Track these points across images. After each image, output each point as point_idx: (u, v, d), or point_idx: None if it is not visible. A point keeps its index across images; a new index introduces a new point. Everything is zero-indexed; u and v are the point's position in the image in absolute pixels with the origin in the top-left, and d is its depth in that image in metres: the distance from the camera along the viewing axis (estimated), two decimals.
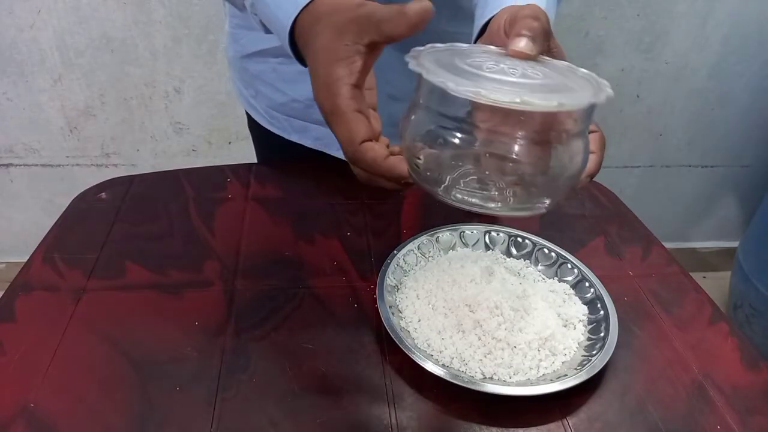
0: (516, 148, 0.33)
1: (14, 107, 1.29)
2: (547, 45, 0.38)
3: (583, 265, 0.57)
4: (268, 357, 0.49)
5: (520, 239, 0.61)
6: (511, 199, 0.34)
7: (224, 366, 0.47)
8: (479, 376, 0.46)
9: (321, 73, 0.35)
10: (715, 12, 1.30)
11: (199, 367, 0.47)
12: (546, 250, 0.59)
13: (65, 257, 0.59)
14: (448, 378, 0.45)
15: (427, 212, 0.68)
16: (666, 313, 0.56)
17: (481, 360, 0.47)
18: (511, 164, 0.33)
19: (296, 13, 0.38)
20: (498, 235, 0.61)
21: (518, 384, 0.46)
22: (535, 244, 0.60)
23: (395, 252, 0.57)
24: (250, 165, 0.75)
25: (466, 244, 0.61)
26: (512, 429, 0.44)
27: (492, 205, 0.34)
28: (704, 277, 1.65)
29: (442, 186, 0.35)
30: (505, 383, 0.46)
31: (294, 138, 0.76)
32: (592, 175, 0.43)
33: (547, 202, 0.35)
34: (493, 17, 0.44)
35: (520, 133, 0.32)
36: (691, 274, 0.61)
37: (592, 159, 0.41)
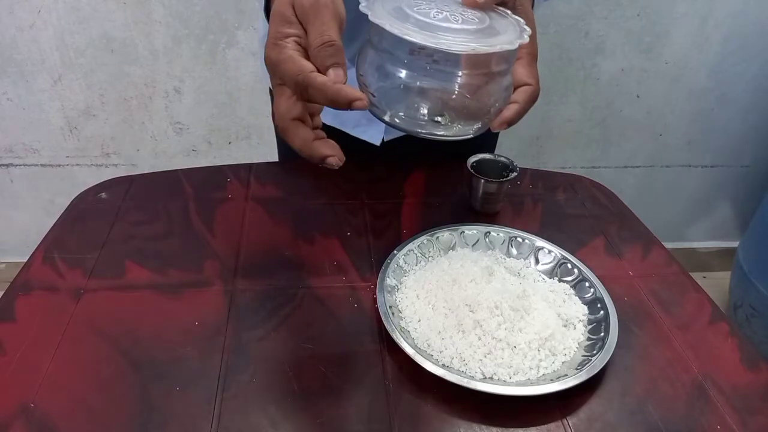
0: (451, 84, 0.39)
1: (14, 107, 1.29)
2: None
3: (583, 265, 0.57)
4: (268, 357, 0.49)
5: (520, 239, 0.61)
6: (447, 125, 0.42)
7: (224, 366, 0.47)
8: (479, 376, 0.46)
9: (270, 32, 0.41)
10: (715, 12, 1.30)
11: (199, 367, 0.47)
12: (546, 250, 0.59)
13: (65, 257, 0.59)
14: (448, 378, 0.45)
15: (427, 212, 0.68)
16: (666, 313, 0.56)
17: (481, 360, 0.47)
18: (446, 97, 0.40)
19: None
20: (498, 235, 0.61)
21: (518, 384, 0.46)
22: (535, 244, 0.60)
23: (395, 252, 0.57)
24: (250, 165, 0.75)
25: (466, 244, 0.61)
26: (512, 429, 0.44)
27: (427, 131, 0.42)
28: (704, 277, 1.65)
29: (388, 114, 0.42)
30: (505, 383, 0.46)
31: None
32: (508, 122, 0.44)
33: (472, 130, 0.43)
34: None
35: (452, 71, 0.38)
36: (691, 274, 0.61)
37: (512, 108, 0.44)
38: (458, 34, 0.38)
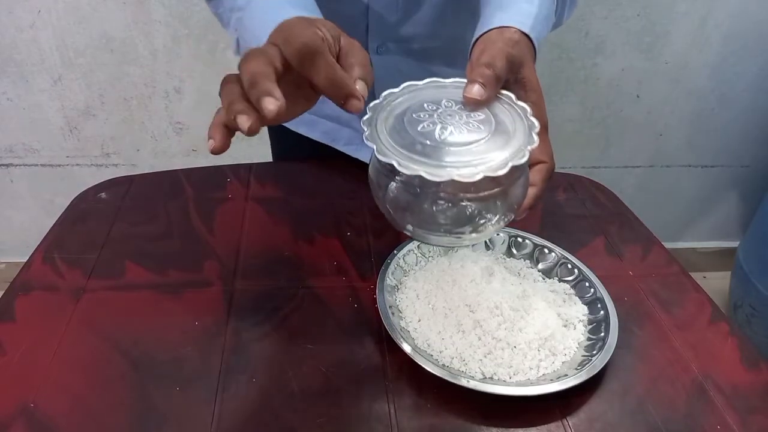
0: (462, 201, 0.41)
1: (14, 107, 1.29)
2: (499, 89, 0.43)
3: (584, 265, 0.57)
4: (268, 357, 0.49)
5: (520, 239, 0.61)
6: (471, 235, 0.43)
7: (224, 366, 0.47)
8: (479, 376, 0.46)
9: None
10: (715, 12, 1.29)
11: (199, 367, 0.47)
12: (546, 250, 0.59)
13: (65, 257, 0.59)
14: (448, 378, 0.45)
15: None
16: (666, 313, 0.56)
17: (481, 360, 0.47)
18: (463, 212, 0.41)
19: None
20: (498, 235, 0.61)
21: (518, 384, 0.46)
22: (535, 244, 0.60)
23: (395, 252, 0.57)
24: (250, 165, 0.75)
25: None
26: (512, 429, 0.44)
27: (456, 242, 0.44)
28: (704, 277, 1.65)
29: (415, 230, 0.44)
30: (505, 383, 0.46)
31: (302, 131, 0.78)
32: (530, 208, 0.46)
33: (495, 227, 0.44)
34: (478, 39, 0.48)
35: (460, 192, 0.40)
36: (691, 274, 0.61)
37: (530, 194, 0.45)
38: (467, 155, 0.37)
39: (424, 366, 0.46)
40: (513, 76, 0.44)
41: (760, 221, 1.34)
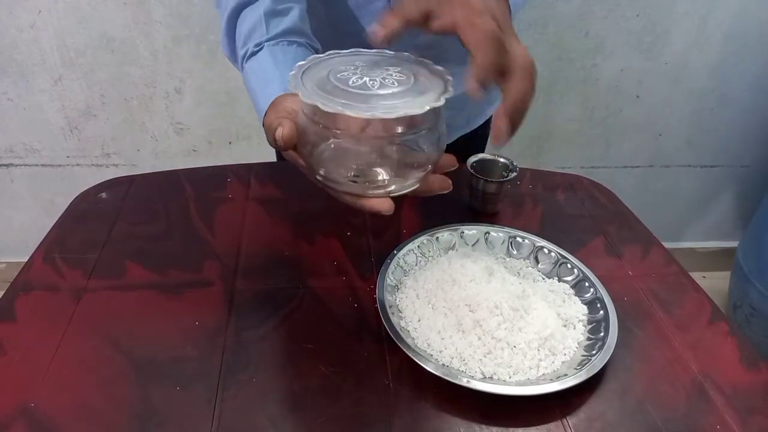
0: (376, 147, 0.42)
1: (14, 107, 1.29)
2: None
3: (583, 265, 0.57)
4: (268, 357, 0.49)
5: (520, 239, 0.61)
6: (385, 183, 0.44)
7: (224, 366, 0.48)
8: (479, 375, 0.46)
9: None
10: (715, 12, 1.29)
11: (199, 367, 0.47)
12: (546, 250, 0.60)
13: (65, 257, 0.59)
14: (448, 378, 0.45)
15: (427, 212, 0.68)
16: (666, 313, 0.56)
17: (481, 360, 0.47)
18: (378, 159, 0.43)
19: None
20: (498, 235, 0.61)
21: (518, 384, 0.46)
22: (535, 244, 0.60)
23: (395, 252, 0.57)
24: (250, 165, 0.75)
25: (466, 244, 0.61)
26: (512, 429, 0.44)
27: (370, 192, 0.44)
28: (704, 277, 1.65)
29: (327, 179, 0.44)
30: (505, 383, 0.46)
31: None
32: (520, 105, 0.43)
33: (409, 182, 0.45)
34: None
35: (377, 134, 0.41)
36: (690, 274, 0.61)
37: (519, 87, 0.43)
38: (390, 99, 0.40)
39: (424, 366, 0.46)
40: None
41: (760, 221, 1.34)
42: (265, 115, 0.50)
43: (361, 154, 0.42)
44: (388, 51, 0.46)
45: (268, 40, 0.56)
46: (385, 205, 0.42)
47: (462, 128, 0.82)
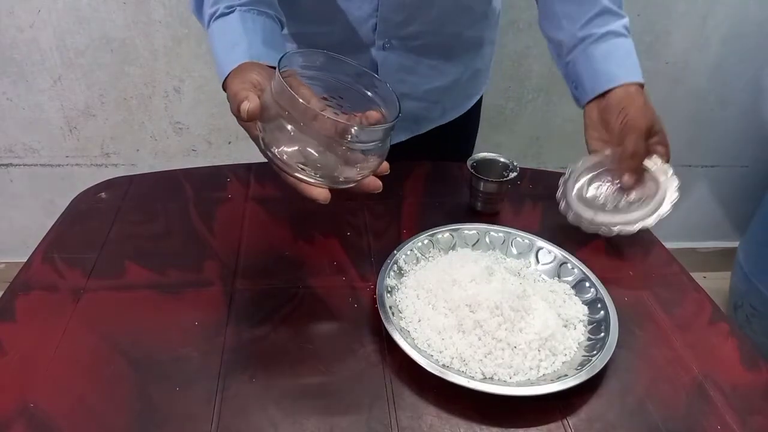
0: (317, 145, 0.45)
1: (14, 107, 1.29)
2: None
3: (584, 265, 0.57)
4: (268, 357, 0.49)
5: (520, 239, 0.61)
6: (328, 176, 0.46)
7: (224, 366, 0.47)
8: (479, 376, 0.46)
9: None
10: (715, 12, 1.29)
11: (199, 367, 0.47)
12: (546, 250, 0.59)
13: (65, 257, 0.59)
14: (448, 378, 0.45)
15: (427, 212, 0.68)
16: (666, 313, 0.56)
17: (481, 360, 0.47)
18: (327, 153, 0.45)
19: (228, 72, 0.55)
20: (498, 235, 0.61)
21: (518, 384, 0.46)
22: (535, 244, 0.60)
23: (395, 252, 0.57)
24: (250, 165, 0.75)
25: (466, 244, 0.61)
26: (512, 429, 0.44)
27: (312, 180, 0.46)
28: (704, 277, 1.65)
29: (276, 157, 0.46)
30: (505, 383, 0.46)
31: None
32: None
33: (350, 180, 0.47)
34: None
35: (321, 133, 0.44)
36: (691, 274, 0.61)
37: (661, 150, 0.67)
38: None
39: (424, 366, 0.46)
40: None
41: (760, 221, 1.34)
42: (227, 77, 0.53)
43: (312, 145, 0.45)
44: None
45: (241, 5, 0.59)
46: (322, 195, 0.45)
47: (437, 120, 0.83)
